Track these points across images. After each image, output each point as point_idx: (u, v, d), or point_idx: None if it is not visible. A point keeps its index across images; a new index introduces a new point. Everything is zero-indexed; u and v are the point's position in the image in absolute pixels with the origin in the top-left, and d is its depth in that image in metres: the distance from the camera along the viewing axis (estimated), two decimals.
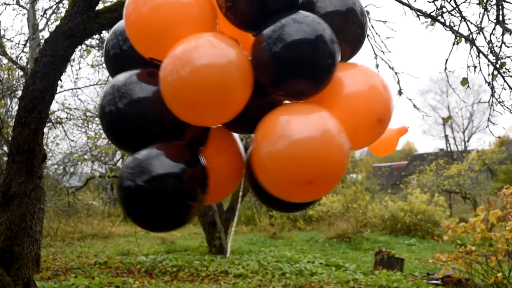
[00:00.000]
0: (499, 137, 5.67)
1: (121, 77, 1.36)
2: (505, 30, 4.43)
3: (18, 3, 9.16)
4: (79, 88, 9.94)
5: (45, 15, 8.92)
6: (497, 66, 4.47)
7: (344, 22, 1.33)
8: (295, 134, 1.14)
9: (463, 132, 39.69)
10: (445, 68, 4.50)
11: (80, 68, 10.23)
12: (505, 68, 4.47)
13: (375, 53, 4.92)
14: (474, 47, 4.45)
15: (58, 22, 3.91)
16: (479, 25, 4.49)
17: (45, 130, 7.72)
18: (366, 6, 4.77)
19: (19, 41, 9.45)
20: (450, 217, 16.91)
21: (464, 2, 4.50)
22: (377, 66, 5.10)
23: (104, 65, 9.07)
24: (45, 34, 8.64)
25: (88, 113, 10.06)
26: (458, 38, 4.45)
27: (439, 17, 4.50)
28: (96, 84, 9.78)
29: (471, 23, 4.52)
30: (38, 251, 7.34)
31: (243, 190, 9.80)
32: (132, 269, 8.68)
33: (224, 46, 1.21)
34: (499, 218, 6.40)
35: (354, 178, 23.07)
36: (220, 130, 1.42)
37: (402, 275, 8.38)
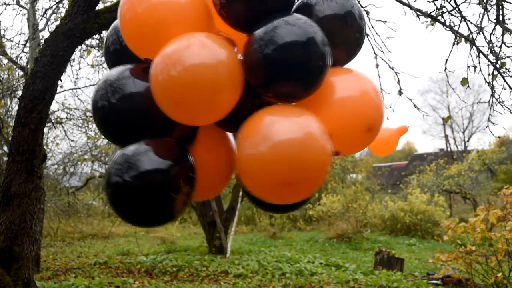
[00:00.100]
0: (499, 137, 5.67)
1: (114, 72, 1.36)
2: (505, 30, 4.43)
3: (18, 3, 9.16)
4: (79, 88, 9.95)
5: (45, 15, 8.92)
6: (497, 66, 4.47)
7: (342, 25, 1.33)
8: (278, 136, 1.14)
9: (463, 132, 39.71)
10: (445, 68, 4.50)
11: (80, 68, 10.24)
12: (505, 68, 4.47)
13: (375, 53, 4.92)
14: (474, 47, 4.45)
15: (58, 22, 3.91)
16: (479, 25, 4.49)
17: (45, 130, 7.72)
18: (366, 6, 4.76)
19: (19, 41, 9.46)
20: (450, 217, 16.91)
21: (464, 2, 4.50)
22: (377, 66, 5.10)
23: (104, 65, 9.08)
24: (45, 34, 8.64)
25: (88, 113, 10.05)
26: (458, 38, 4.45)
27: (439, 17, 4.50)
28: (96, 84, 9.77)
29: (471, 23, 4.53)
30: (38, 251, 7.34)
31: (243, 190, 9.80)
32: (132, 269, 8.68)
33: (215, 46, 1.21)
34: (499, 218, 6.40)
35: (354, 178, 23.07)
36: (212, 128, 1.42)
37: (402, 275, 8.38)
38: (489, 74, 4.54)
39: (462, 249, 6.48)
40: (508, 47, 4.46)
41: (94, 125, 10.28)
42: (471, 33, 4.50)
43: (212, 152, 1.41)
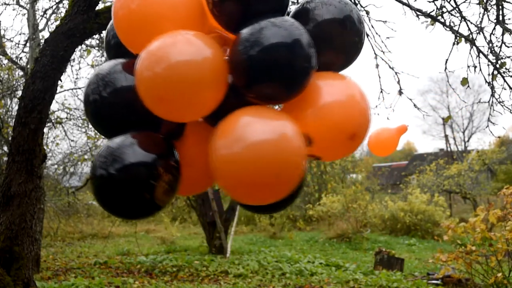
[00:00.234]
0: (499, 137, 5.68)
1: (106, 66, 1.37)
2: (505, 30, 4.43)
3: (18, 3, 9.16)
4: (79, 88, 9.92)
5: (45, 15, 8.92)
6: (497, 66, 4.47)
7: (341, 29, 1.33)
8: (252, 137, 1.14)
9: (463, 132, 39.72)
10: (445, 68, 4.50)
11: (80, 68, 10.24)
12: (505, 68, 4.47)
13: (375, 53, 4.92)
14: (474, 47, 4.46)
15: (58, 22, 3.91)
16: (479, 25, 4.49)
17: (45, 130, 7.72)
18: (366, 6, 4.77)
19: (19, 41, 9.44)
20: (450, 217, 16.90)
21: (464, 2, 4.50)
22: (377, 66, 5.11)
23: None
24: (45, 34, 8.64)
25: None
26: (458, 38, 4.45)
27: (439, 17, 4.50)
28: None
29: (471, 23, 4.53)
30: (38, 251, 7.34)
31: None
32: (132, 269, 8.68)
33: (201, 44, 1.21)
34: (499, 218, 6.40)
35: (354, 178, 23.07)
36: (200, 124, 1.43)
37: (402, 275, 8.38)
38: (489, 74, 4.54)
39: (462, 249, 6.48)
40: (508, 47, 4.47)
41: None
42: (471, 33, 4.51)
43: (200, 147, 1.40)
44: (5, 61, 9.08)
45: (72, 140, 11.07)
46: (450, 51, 4.53)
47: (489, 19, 4.49)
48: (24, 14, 9.05)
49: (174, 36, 1.22)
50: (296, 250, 12.57)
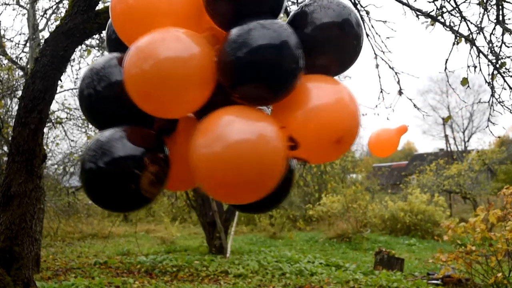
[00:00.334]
0: (499, 137, 5.68)
1: (101, 60, 1.38)
2: (505, 30, 4.43)
3: (18, 3, 9.16)
4: None
5: (45, 15, 8.92)
6: (497, 66, 4.47)
7: (339, 33, 1.32)
8: (232, 136, 1.14)
9: (463, 132, 39.73)
10: (445, 68, 4.50)
11: (80, 68, 10.18)
12: (505, 68, 4.47)
13: (375, 53, 4.92)
14: (474, 47, 4.46)
15: (58, 22, 3.91)
16: (479, 25, 4.49)
17: (45, 130, 7.72)
18: (366, 6, 4.77)
19: (19, 41, 9.45)
20: (450, 217, 16.91)
21: (464, 2, 4.50)
22: (377, 66, 5.11)
23: None
24: (45, 34, 8.64)
25: None
26: (458, 38, 4.45)
27: (439, 17, 4.50)
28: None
29: (471, 23, 4.53)
30: (38, 251, 7.34)
31: None
32: (132, 269, 8.68)
33: (189, 41, 1.22)
34: (499, 218, 6.40)
35: (354, 178, 23.07)
36: (193, 119, 1.43)
37: (402, 275, 8.38)
38: (489, 74, 4.54)
39: (462, 249, 6.48)
40: (508, 47, 4.47)
41: None
42: (471, 33, 4.51)
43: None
44: (5, 61, 9.08)
45: (72, 140, 11.08)
46: (450, 51, 4.53)
47: (489, 19, 4.49)
48: (24, 14, 9.06)
49: (164, 32, 1.23)
50: (296, 250, 12.57)
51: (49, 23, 8.94)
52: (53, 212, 13.21)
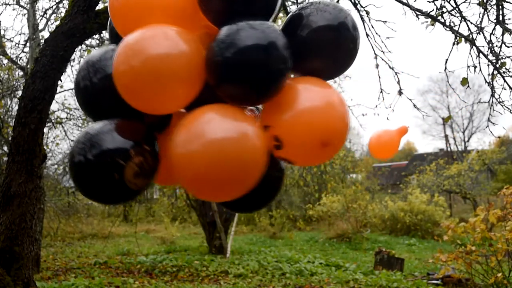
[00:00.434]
0: (499, 137, 5.67)
1: (96, 53, 1.39)
2: (505, 30, 4.43)
3: (18, 3, 9.16)
4: None
5: (45, 15, 8.92)
6: (497, 66, 4.47)
7: (336, 36, 1.33)
8: (212, 134, 1.15)
9: (463, 132, 39.73)
10: (445, 68, 4.50)
11: None
12: (505, 68, 4.47)
13: (375, 53, 4.92)
14: (474, 47, 4.46)
15: (58, 22, 3.91)
16: (479, 25, 4.49)
17: (45, 130, 7.71)
18: (366, 6, 4.77)
19: (19, 41, 9.44)
20: (450, 217, 16.91)
21: (464, 2, 4.50)
22: (377, 66, 5.11)
23: None
24: (45, 34, 8.64)
25: None
26: (458, 38, 4.45)
27: (439, 17, 4.50)
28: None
29: (471, 23, 4.53)
30: (38, 251, 7.34)
31: None
32: (132, 269, 8.68)
33: (178, 39, 1.23)
34: (499, 218, 6.40)
35: (354, 178, 23.07)
36: (185, 115, 1.44)
37: (402, 275, 8.38)
38: (489, 74, 4.54)
39: (462, 249, 6.48)
40: (508, 47, 4.47)
41: None
42: (471, 33, 4.50)
43: None
44: (5, 61, 9.08)
45: (72, 140, 11.06)
46: (450, 51, 4.53)
47: (489, 19, 4.49)
48: (24, 14, 9.06)
49: (153, 30, 1.24)
50: (296, 250, 12.57)
51: (49, 23, 8.94)
52: (53, 212, 13.21)
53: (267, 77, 1.19)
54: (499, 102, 4.65)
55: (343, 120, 1.28)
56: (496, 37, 4.49)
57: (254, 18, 1.23)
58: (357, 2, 4.75)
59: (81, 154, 1.24)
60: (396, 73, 4.94)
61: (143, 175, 1.26)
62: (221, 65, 1.19)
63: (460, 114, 38.04)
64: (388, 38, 4.79)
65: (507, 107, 4.62)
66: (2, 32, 10.19)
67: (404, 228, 16.19)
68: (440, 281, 7.62)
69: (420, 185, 20.31)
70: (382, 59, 4.93)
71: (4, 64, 9.14)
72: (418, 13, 4.44)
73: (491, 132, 4.84)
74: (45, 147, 4.05)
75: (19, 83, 8.85)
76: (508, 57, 4.49)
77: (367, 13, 4.76)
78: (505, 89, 4.56)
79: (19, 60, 9.03)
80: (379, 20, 4.76)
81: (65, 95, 30.80)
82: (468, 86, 4.55)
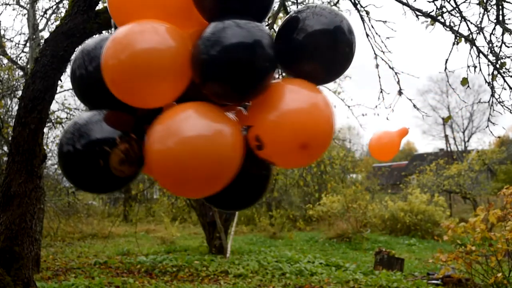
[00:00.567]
0: (499, 137, 5.67)
1: (92, 41, 1.40)
2: (505, 30, 4.43)
3: (18, 3, 9.16)
4: None
5: (45, 15, 8.92)
6: (497, 66, 4.47)
7: (332, 40, 1.33)
8: (187, 132, 1.16)
9: (463, 132, 39.74)
10: (445, 68, 4.50)
11: None
12: (505, 68, 4.46)
13: (375, 53, 4.92)
14: (474, 47, 4.45)
15: (58, 22, 3.91)
16: (479, 25, 4.49)
17: (45, 130, 7.72)
18: (366, 6, 4.77)
19: (19, 41, 9.46)
20: (450, 217, 16.91)
21: (464, 2, 4.50)
22: (377, 66, 5.11)
23: None
24: (45, 34, 8.64)
25: None
26: (458, 38, 4.45)
27: (439, 17, 4.50)
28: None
29: (471, 23, 4.53)
30: (38, 251, 7.34)
31: None
32: (132, 269, 8.68)
33: (166, 35, 1.23)
34: (499, 218, 6.40)
35: (354, 178, 23.07)
36: None
37: (402, 275, 8.38)
38: (489, 74, 4.53)
39: (462, 249, 6.48)
40: (508, 47, 4.46)
41: None
42: (471, 33, 4.50)
43: None
44: (5, 61, 9.08)
45: None
46: (450, 51, 4.53)
47: (489, 19, 4.49)
48: (24, 14, 9.06)
49: (143, 24, 1.25)
50: (296, 250, 12.57)
51: (49, 23, 8.94)
52: (53, 212, 13.21)
53: (251, 76, 1.19)
54: (499, 102, 4.65)
55: (325, 124, 1.27)
56: (496, 37, 4.50)
57: (248, 17, 1.23)
58: (357, 2, 4.75)
59: (70, 144, 1.26)
60: (396, 73, 4.94)
61: (129, 162, 1.26)
62: (206, 63, 1.19)
63: (460, 114, 38.09)
64: (388, 38, 4.79)
65: (507, 107, 4.62)
66: (2, 32, 10.20)
67: (404, 228, 16.20)
68: (440, 281, 7.62)
69: (420, 185, 20.31)
70: (382, 59, 4.93)
71: (4, 64, 9.14)
72: (418, 13, 4.43)
73: (491, 132, 4.84)
74: (45, 147, 4.06)
75: (19, 83, 8.85)
76: (508, 57, 4.49)
77: (367, 13, 4.76)
78: (505, 89, 4.56)
79: (19, 60, 9.04)
80: (379, 20, 4.76)
81: (65, 95, 30.82)
82: (468, 86, 4.55)
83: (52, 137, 11.20)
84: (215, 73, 1.19)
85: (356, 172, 23.44)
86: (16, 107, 7.56)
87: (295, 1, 5.92)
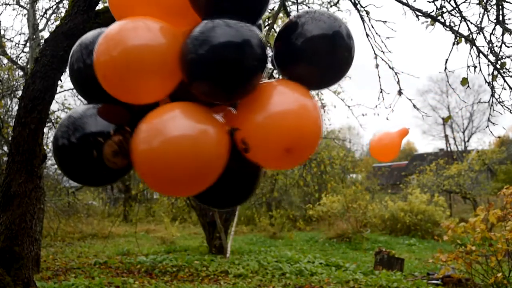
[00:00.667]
0: (499, 137, 5.67)
1: (89, 34, 1.40)
2: (505, 30, 4.43)
3: (18, 3, 9.17)
4: None
5: (45, 15, 8.93)
6: (497, 66, 4.47)
7: (331, 45, 1.33)
8: (171, 132, 1.17)
9: (463, 132, 39.75)
10: (445, 68, 4.50)
11: None
12: (505, 68, 4.46)
13: (375, 53, 4.92)
14: (474, 47, 4.45)
15: (58, 22, 3.91)
16: (479, 25, 4.49)
17: (45, 130, 7.71)
18: (366, 6, 4.77)
19: (19, 41, 9.46)
20: (450, 217, 16.91)
21: (464, 2, 4.50)
22: (377, 66, 5.11)
23: None
24: (45, 34, 8.64)
25: None
26: (458, 38, 4.45)
27: (439, 17, 4.50)
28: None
29: (471, 23, 4.53)
30: (38, 251, 7.34)
31: None
32: (132, 269, 8.68)
33: (158, 32, 1.24)
34: (499, 218, 6.40)
35: (354, 178, 23.07)
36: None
37: (402, 275, 8.38)
38: (489, 74, 4.53)
39: (462, 249, 6.48)
40: (508, 47, 4.46)
41: None
42: (471, 33, 4.50)
43: None
44: (5, 61, 9.08)
45: None
46: (450, 51, 4.53)
47: (489, 19, 4.49)
48: (24, 14, 9.06)
49: (136, 21, 1.25)
50: (296, 250, 12.57)
51: (49, 23, 8.95)
52: (53, 212, 13.21)
53: (239, 75, 1.19)
54: (499, 102, 4.65)
55: (311, 128, 1.25)
56: (496, 37, 4.49)
57: (242, 16, 1.23)
58: (357, 2, 4.75)
59: (64, 137, 1.27)
60: (396, 73, 4.93)
61: (122, 154, 1.26)
62: (194, 62, 1.19)
63: (460, 114, 38.10)
64: (388, 38, 4.79)
65: (507, 107, 4.62)
66: (2, 32, 10.20)
67: (404, 228, 16.20)
68: (440, 281, 7.62)
69: (420, 185, 20.31)
70: (382, 59, 4.93)
71: (4, 64, 9.14)
72: (418, 13, 4.43)
73: (491, 132, 4.84)
74: (45, 147, 4.06)
75: (19, 83, 8.85)
76: (508, 57, 4.49)
77: (367, 13, 4.76)
78: (505, 89, 4.56)
79: (19, 60, 9.04)
80: (379, 20, 4.76)
81: (65, 95, 30.84)
82: (468, 86, 4.55)
83: (52, 137, 11.20)
84: (203, 72, 1.18)
85: (356, 172, 23.44)
86: (16, 107, 7.56)
87: (295, 1, 5.92)
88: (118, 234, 15.86)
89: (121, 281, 7.15)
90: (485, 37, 4.51)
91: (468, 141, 39.79)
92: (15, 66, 8.94)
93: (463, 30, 5.97)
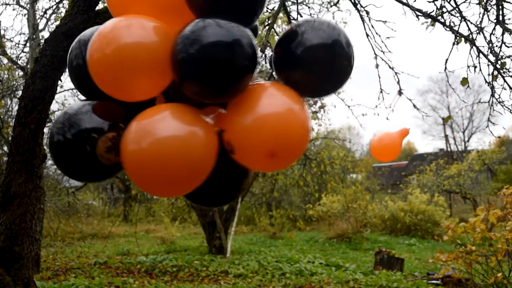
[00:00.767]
0: (499, 137, 5.67)
1: (88, 31, 1.41)
2: (505, 30, 4.43)
3: (18, 3, 9.17)
4: None
5: (45, 15, 8.93)
6: (497, 66, 4.47)
7: (330, 54, 1.33)
8: (160, 132, 1.17)
9: (463, 132, 39.75)
10: (445, 68, 4.50)
11: None
12: (505, 68, 4.46)
13: (375, 53, 4.92)
14: (474, 47, 4.45)
15: (58, 22, 3.91)
16: (479, 25, 4.49)
17: (45, 130, 7.71)
18: (366, 6, 4.77)
19: (19, 41, 9.46)
20: (450, 217, 16.91)
21: (464, 2, 4.50)
22: (377, 66, 5.11)
23: None
24: (45, 34, 8.65)
25: None
26: (458, 38, 4.45)
27: (439, 17, 4.50)
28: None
29: (471, 23, 4.53)
30: (38, 251, 7.34)
31: None
32: (132, 269, 8.68)
33: (151, 30, 1.24)
34: (499, 218, 6.40)
35: (354, 178, 23.07)
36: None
37: (402, 275, 8.38)
38: (489, 74, 4.53)
39: (462, 249, 6.48)
40: (508, 47, 4.46)
41: None
42: (471, 33, 4.50)
43: None
44: (5, 61, 9.08)
45: None
46: (450, 51, 4.53)
47: (489, 19, 4.49)
48: (24, 14, 9.07)
49: (130, 19, 1.26)
50: (296, 250, 12.57)
51: (49, 23, 8.95)
52: (53, 212, 13.21)
53: (230, 74, 1.19)
54: (499, 102, 4.65)
55: (297, 133, 1.24)
56: (496, 37, 4.49)
57: (236, 17, 1.23)
58: (357, 2, 4.75)
59: (60, 134, 1.28)
60: (396, 73, 4.93)
61: (116, 150, 1.26)
62: (184, 61, 1.19)
63: (460, 114, 38.10)
64: (388, 38, 4.78)
65: (507, 107, 4.62)
66: (2, 32, 10.19)
67: (404, 228, 16.20)
68: (440, 281, 7.62)
69: (420, 185, 20.31)
70: (382, 59, 4.93)
71: (4, 64, 9.14)
72: (418, 13, 4.43)
73: (491, 132, 4.84)
74: (45, 147, 4.06)
75: (19, 83, 8.85)
76: (508, 57, 4.49)
77: (367, 13, 4.76)
78: (505, 89, 4.56)
79: (19, 60, 9.04)
80: (379, 20, 4.75)
81: (65, 95, 30.85)
82: (468, 86, 4.55)
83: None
84: (193, 72, 1.19)
85: (356, 172, 23.43)
86: (16, 107, 7.56)
87: (295, 1, 5.92)
88: (118, 234, 15.86)
89: (121, 281, 7.15)
90: (485, 37, 4.51)
91: (468, 141, 39.83)
92: (15, 66, 8.94)
93: (463, 30, 5.97)
